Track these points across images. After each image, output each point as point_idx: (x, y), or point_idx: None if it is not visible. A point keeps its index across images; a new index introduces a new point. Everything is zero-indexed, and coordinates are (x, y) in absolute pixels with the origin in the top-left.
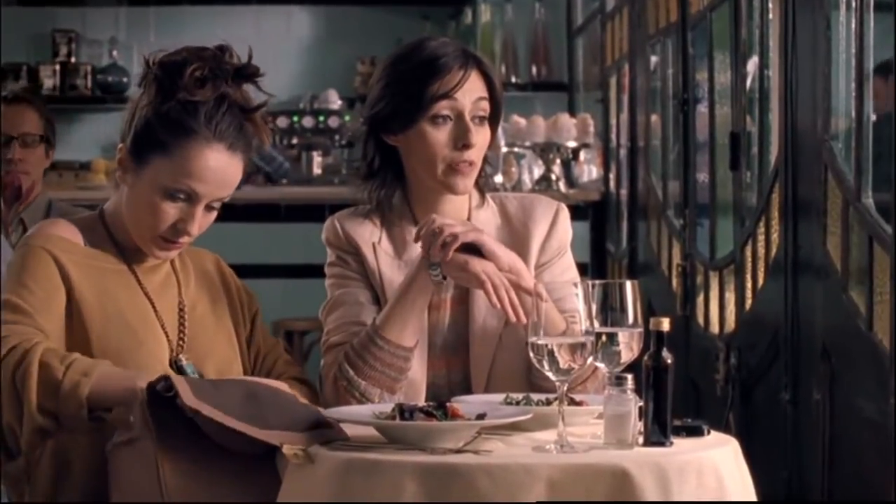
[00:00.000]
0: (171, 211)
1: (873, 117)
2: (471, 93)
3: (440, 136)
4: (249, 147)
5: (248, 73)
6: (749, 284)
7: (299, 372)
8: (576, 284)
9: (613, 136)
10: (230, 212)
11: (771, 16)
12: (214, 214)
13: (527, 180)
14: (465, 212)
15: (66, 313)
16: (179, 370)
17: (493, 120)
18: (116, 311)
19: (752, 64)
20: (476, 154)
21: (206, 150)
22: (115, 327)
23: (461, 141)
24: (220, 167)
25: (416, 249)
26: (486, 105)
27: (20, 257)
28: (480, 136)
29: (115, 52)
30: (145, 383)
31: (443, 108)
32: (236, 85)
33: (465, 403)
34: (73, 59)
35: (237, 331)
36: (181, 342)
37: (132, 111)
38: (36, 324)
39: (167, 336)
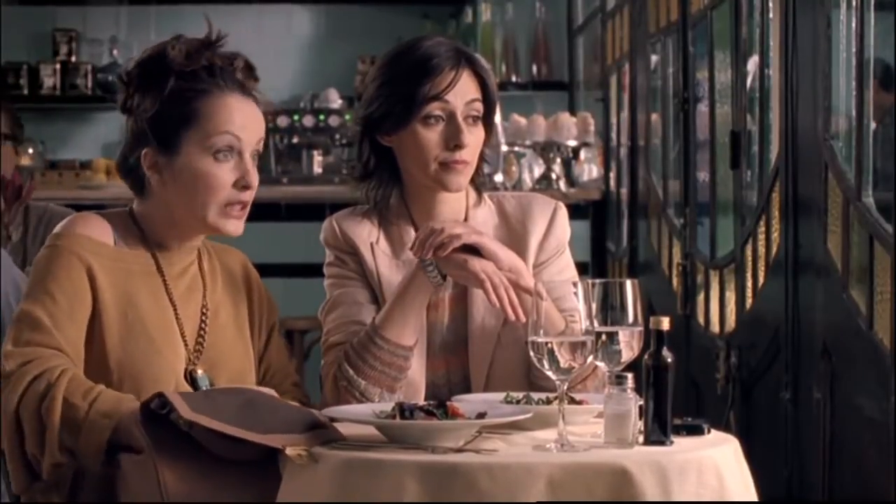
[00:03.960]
0: (225, 173)
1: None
2: (463, 94)
3: (432, 136)
4: (256, 98)
5: (212, 40)
6: (749, 283)
7: (304, 397)
8: (575, 283)
9: (614, 135)
10: None
11: (771, 15)
12: (256, 171)
13: (527, 179)
14: (462, 211)
15: (90, 319)
16: (193, 381)
17: (487, 120)
18: (137, 318)
19: (753, 63)
20: (469, 154)
21: (226, 98)
22: (133, 336)
23: (453, 141)
24: (245, 111)
25: None
26: (479, 105)
27: (47, 259)
28: (473, 137)
29: (115, 52)
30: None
31: (434, 108)
32: (212, 54)
33: (465, 402)
34: (73, 59)
35: (252, 340)
36: (199, 349)
37: (133, 122)
38: (56, 342)
39: (185, 343)
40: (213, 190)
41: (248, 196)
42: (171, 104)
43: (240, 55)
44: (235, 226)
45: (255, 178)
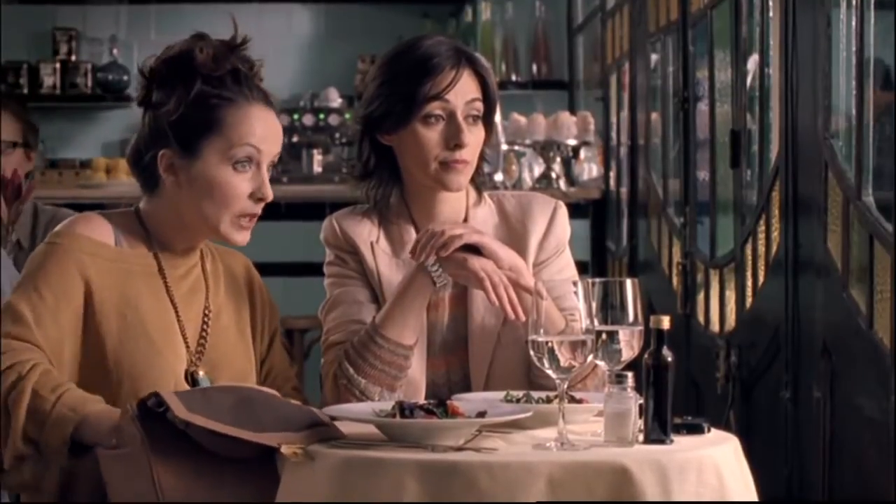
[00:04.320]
0: (243, 183)
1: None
2: (463, 93)
3: (432, 135)
4: (276, 110)
5: (236, 44)
6: (749, 282)
7: (304, 401)
8: (575, 283)
9: (614, 134)
10: None
11: (771, 14)
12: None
13: (527, 178)
14: (462, 211)
15: (84, 320)
16: (194, 382)
17: (487, 119)
18: (137, 319)
19: (753, 62)
20: (469, 153)
21: (251, 109)
22: (133, 337)
23: (453, 141)
24: (268, 122)
25: None
26: (479, 105)
27: (42, 255)
28: (473, 136)
29: (115, 51)
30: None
31: (434, 108)
32: (235, 56)
33: (465, 401)
34: (73, 58)
35: (254, 344)
36: (200, 350)
37: (152, 119)
38: (34, 337)
39: (187, 344)
40: (229, 200)
41: (260, 207)
42: (195, 109)
43: (258, 60)
44: (244, 237)
45: (270, 190)
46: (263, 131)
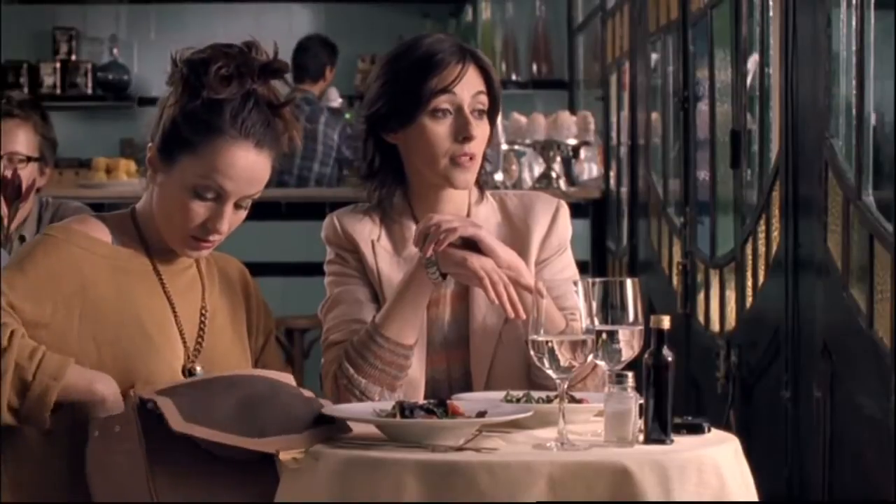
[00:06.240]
0: (200, 210)
1: (874, 115)
2: (469, 87)
3: (440, 129)
4: (278, 143)
5: (275, 68)
6: (749, 282)
7: None
8: (576, 282)
9: (614, 134)
10: None
11: (772, 13)
12: (244, 213)
13: (527, 178)
14: (464, 209)
15: (80, 312)
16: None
17: (491, 114)
18: (133, 314)
19: (753, 61)
20: (476, 147)
21: (233, 147)
22: (129, 331)
23: (462, 134)
24: (247, 165)
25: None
26: (484, 99)
27: (32, 244)
28: (480, 130)
29: (115, 50)
30: (105, 386)
31: (442, 102)
32: (263, 81)
33: (465, 401)
34: (73, 57)
35: (249, 344)
36: (197, 348)
37: (160, 109)
38: (7, 302)
39: (184, 342)
40: (182, 222)
41: (213, 238)
42: (185, 121)
43: (289, 99)
44: (196, 254)
45: (224, 225)
46: (236, 174)
